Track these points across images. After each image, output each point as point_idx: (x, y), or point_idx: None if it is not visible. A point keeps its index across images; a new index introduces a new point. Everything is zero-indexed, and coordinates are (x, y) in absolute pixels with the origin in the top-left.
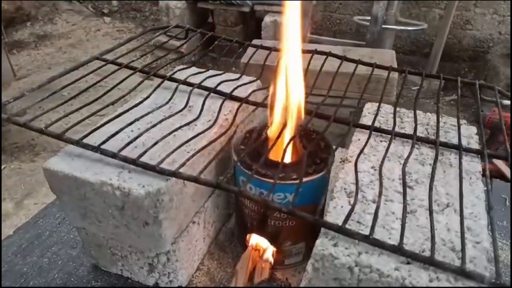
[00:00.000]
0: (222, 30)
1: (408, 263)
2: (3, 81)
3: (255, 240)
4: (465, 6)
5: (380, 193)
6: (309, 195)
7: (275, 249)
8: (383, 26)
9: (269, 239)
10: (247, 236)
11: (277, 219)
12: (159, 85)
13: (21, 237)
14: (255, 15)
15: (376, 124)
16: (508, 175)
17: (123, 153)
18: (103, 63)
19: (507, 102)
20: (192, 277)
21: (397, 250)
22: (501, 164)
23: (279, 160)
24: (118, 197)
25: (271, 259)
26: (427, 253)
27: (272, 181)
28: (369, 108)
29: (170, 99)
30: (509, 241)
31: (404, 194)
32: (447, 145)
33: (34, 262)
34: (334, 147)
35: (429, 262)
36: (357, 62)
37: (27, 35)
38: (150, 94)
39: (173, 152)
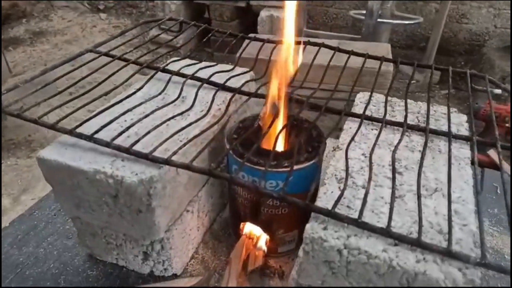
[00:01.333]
0: (218, 25)
1: (396, 245)
2: None
3: (249, 228)
4: (460, 0)
5: (370, 179)
6: (301, 182)
7: (268, 237)
8: (379, 20)
9: (263, 227)
10: (241, 225)
11: (270, 207)
12: (152, 76)
13: (16, 229)
14: (251, 10)
15: (367, 113)
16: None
17: (116, 142)
18: (97, 55)
19: (498, 91)
20: (186, 265)
21: (385, 232)
22: (496, 156)
23: (271, 149)
24: (111, 185)
25: (265, 247)
26: (414, 235)
27: (263, 168)
28: (361, 97)
29: (163, 90)
30: (500, 228)
31: (393, 179)
32: (437, 132)
33: (30, 253)
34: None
35: (416, 243)
36: (350, 53)
37: (22, 31)
38: (143, 85)
39: (165, 141)
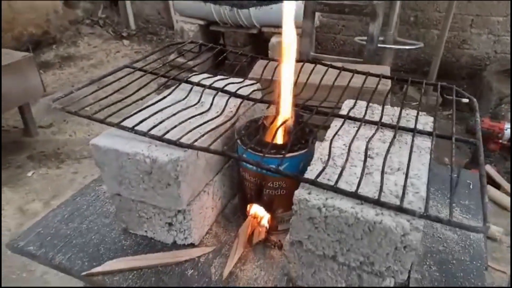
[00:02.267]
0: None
1: (361, 204)
2: (34, 95)
3: (254, 210)
4: (461, 27)
5: (346, 160)
6: (295, 167)
7: (270, 216)
8: (382, 45)
9: (265, 207)
10: (248, 207)
11: (270, 188)
12: (177, 86)
13: (63, 210)
14: (262, 36)
15: (351, 114)
16: (499, 180)
17: (151, 133)
18: (132, 70)
19: (466, 100)
20: (202, 238)
21: (354, 195)
22: (491, 171)
23: (270, 140)
24: (147, 163)
25: (267, 225)
26: (376, 197)
27: (261, 154)
28: (347, 103)
29: (186, 96)
30: (469, 215)
31: (365, 161)
32: (405, 129)
33: (75, 227)
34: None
35: (376, 202)
36: (353, 71)
37: (52, 56)
38: (171, 93)
39: (188, 132)
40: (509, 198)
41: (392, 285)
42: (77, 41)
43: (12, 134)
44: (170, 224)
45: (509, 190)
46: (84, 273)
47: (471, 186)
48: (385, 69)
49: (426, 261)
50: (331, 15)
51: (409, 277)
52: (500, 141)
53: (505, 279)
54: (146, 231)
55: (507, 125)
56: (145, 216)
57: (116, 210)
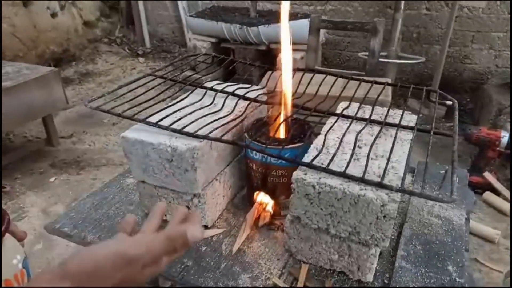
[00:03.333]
0: (241, 66)
1: (348, 181)
2: (58, 107)
3: (260, 198)
4: (463, 42)
5: (338, 148)
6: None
7: (274, 203)
8: (385, 60)
9: (270, 195)
10: (254, 196)
11: (274, 177)
12: (193, 91)
13: (92, 199)
14: (271, 52)
15: (344, 113)
16: (498, 187)
17: (172, 127)
18: (153, 77)
19: (449, 102)
20: (214, 222)
21: (342, 174)
22: (490, 178)
23: (272, 134)
24: (169, 152)
25: (271, 210)
26: (360, 176)
27: (264, 145)
28: (343, 105)
29: (201, 99)
30: (453, 205)
31: (354, 149)
32: (390, 124)
33: (103, 213)
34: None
35: (361, 180)
36: (360, 80)
37: (72, 72)
38: (187, 96)
39: (203, 127)
40: (508, 204)
41: (378, 253)
42: (95, 58)
43: (35, 143)
44: (187, 207)
45: (508, 197)
46: None
47: (456, 180)
48: (386, 81)
49: (412, 242)
50: (337, 32)
51: (395, 254)
52: (498, 148)
53: (501, 278)
54: (165, 215)
55: (504, 133)
56: (165, 201)
57: (140, 196)
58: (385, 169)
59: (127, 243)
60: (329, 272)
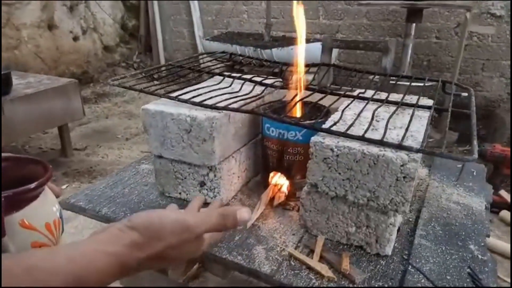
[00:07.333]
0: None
1: (368, 144)
2: (75, 117)
3: (275, 179)
4: (473, 70)
5: (355, 120)
6: (310, 135)
7: (289, 183)
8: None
9: (285, 174)
10: (270, 178)
11: (290, 154)
12: (211, 77)
13: (108, 180)
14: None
15: (360, 95)
16: None
17: (192, 100)
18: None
19: (465, 94)
20: (228, 202)
21: (361, 138)
22: (507, 195)
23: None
24: (188, 122)
25: (286, 191)
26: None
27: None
28: (357, 91)
29: (219, 83)
30: (471, 193)
31: (371, 122)
32: (407, 104)
33: (118, 191)
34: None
35: (380, 142)
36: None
37: (89, 93)
38: (206, 80)
39: (222, 101)
40: None
41: (397, 223)
42: None
43: (49, 154)
44: (202, 184)
45: None
46: None
47: (474, 173)
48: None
49: (430, 223)
50: (348, 59)
51: (414, 234)
52: None
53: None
54: (180, 192)
55: None
56: (181, 177)
57: (155, 173)
58: (403, 136)
59: (187, 213)
60: (345, 246)
